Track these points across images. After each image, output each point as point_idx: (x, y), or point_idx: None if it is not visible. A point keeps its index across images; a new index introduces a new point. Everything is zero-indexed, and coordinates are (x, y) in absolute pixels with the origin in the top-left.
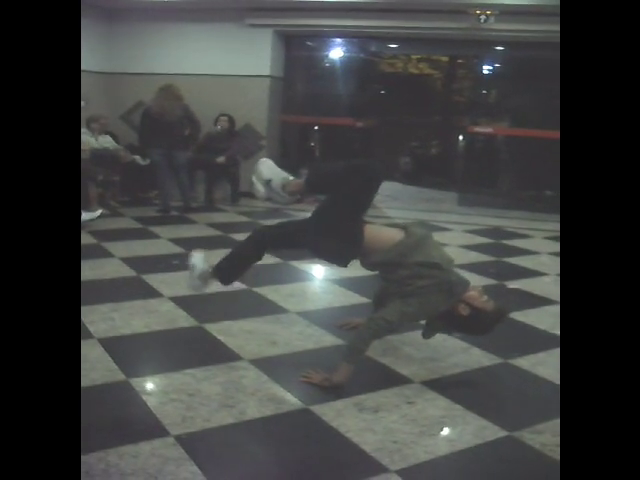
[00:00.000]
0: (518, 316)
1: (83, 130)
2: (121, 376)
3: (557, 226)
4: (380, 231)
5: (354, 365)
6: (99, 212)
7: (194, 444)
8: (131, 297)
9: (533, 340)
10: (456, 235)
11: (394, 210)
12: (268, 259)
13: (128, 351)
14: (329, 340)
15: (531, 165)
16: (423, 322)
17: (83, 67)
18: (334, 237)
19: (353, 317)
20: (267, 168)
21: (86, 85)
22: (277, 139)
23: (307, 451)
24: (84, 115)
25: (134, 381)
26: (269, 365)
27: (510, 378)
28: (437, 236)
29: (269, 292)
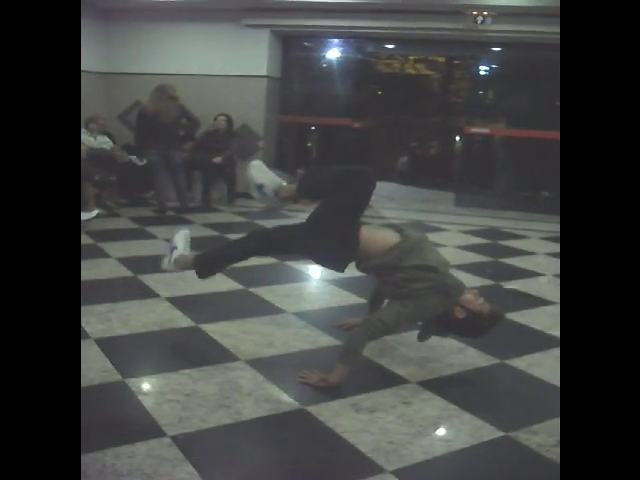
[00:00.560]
0: (514, 316)
1: (82, 130)
2: (117, 376)
3: (553, 227)
4: (376, 234)
5: (350, 366)
6: (96, 212)
7: (190, 444)
8: (128, 297)
9: (529, 341)
10: (452, 236)
11: (390, 210)
12: (264, 259)
13: (124, 351)
14: (325, 340)
15: (528, 166)
16: (419, 323)
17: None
18: (329, 242)
19: (350, 317)
20: (259, 172)
21: (83, 85)
22: (274, 139)
23: (303, 452)
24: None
25: (130, 381)
26: (265, 365)
27: (506, 378)
28: (433, 237)
29: (265, 292)
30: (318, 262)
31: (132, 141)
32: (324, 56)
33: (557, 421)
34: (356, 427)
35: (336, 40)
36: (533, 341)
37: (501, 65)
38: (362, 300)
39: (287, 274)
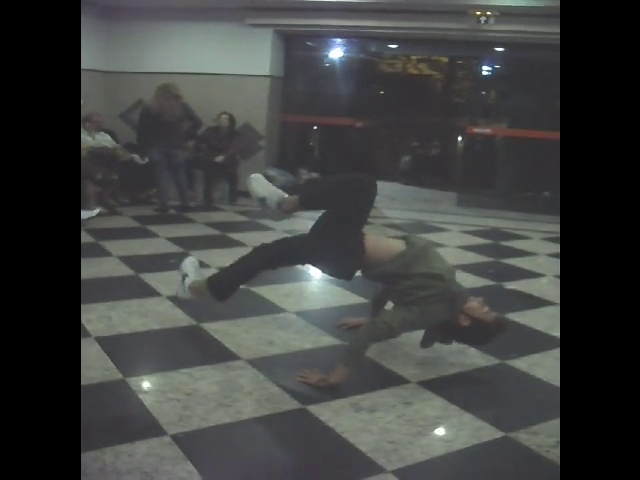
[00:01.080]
0: (515, 317)
1: None
2: (118, 375)
3: (555, 227)
4: (381, 242)
5: (351, 367)
6: (97, 211)
7: (191, 443)
8: (128, 296)
9: (530, 341)
10: (454, 236)
11: (392, 210)
12: None
13: (125, 350)
14: (326, 340)
15: (530, 166)
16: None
17: (82, 66)
18: (334, 252)
19: (351, 317)
20: (260, 186)
21: (85, 84)
22: (276, 139)
23: (303, 451)
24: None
25: (131, 380)
26: (266, 365)
27: (507, 379)
28: (435, 237)
29: (266, 292)
30: (325, 271)
31: (134, 140)
32: (327, 56)
33: (557, 422)
34: (356, 427)
35: (339, 40)
36: (534, 342)
37: (504, 65)
38: (363, 300)
39: (288, 273)
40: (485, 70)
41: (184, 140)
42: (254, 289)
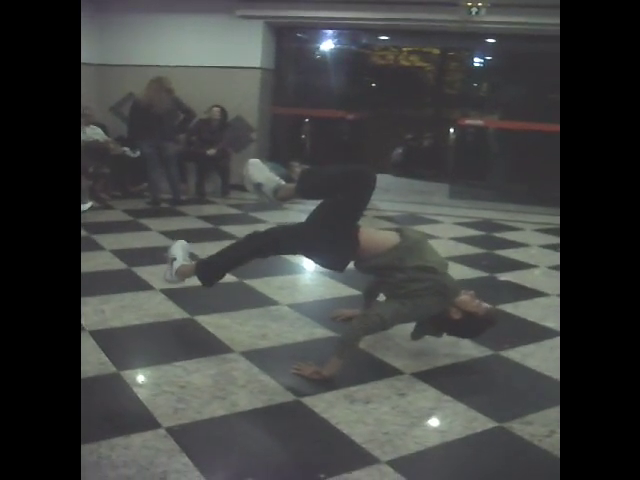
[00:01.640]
0: (508, 308)
1: None
2: (112, 369)
3: (548, 218)
4: (375, 235)
5: (344, 359)
6: (89, 204)
7: (185, 436)
8: (122, 290)
9: (523, 332)
10: (447, 227)
11: (385, 202)
12: None
13: (119, 344)
14: (320, 332)
15: (522, 158)
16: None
17: None
18: (328, 243)
19: (345, 309)
20: (258, 171)
21: None
22: (268, 131)
23: (298, 443)
24: None
25: (125, 373)
26: (260, 357)
27: (500, 370)
28: (428, 229)
29: (260, 284)
30: (317, 262)
31: (125, 133)
32: (318, 48)
33: (550, 411)
34: (351, 418)
35: (330, 32)
36: (527, 332)
37: (495, 57)
38: (356, 292)
39: (282, 266)
40: (477, 62)
41: (175, 133)
42: (247, 282)
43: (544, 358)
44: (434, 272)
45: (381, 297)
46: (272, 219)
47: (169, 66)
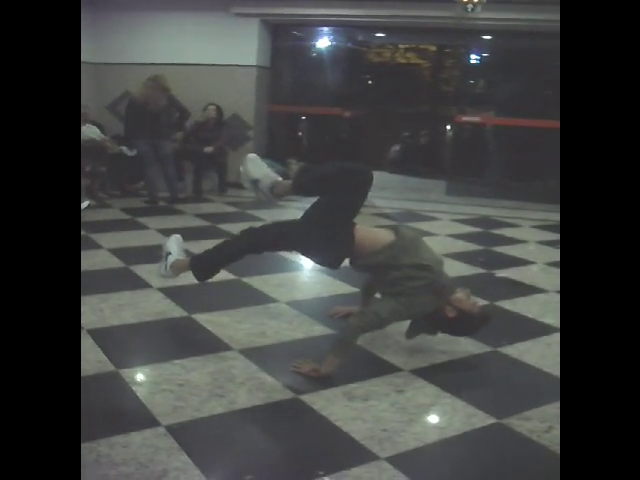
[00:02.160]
0: (506, 305)
1: None
2: (111, 367)
3: (545, 215)
4: (371, 233)
5: (342, 357)
6: (87, 203)
7: (185, 434)
8: (120, 288)
9: (521, 328)
10: (444, 224)
11: (382, 200)
12: None
13: (117, 342)
14: (318, 330)
15: (519, 154)
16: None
17: None
18: (324, 240)
19: (343, 306)
20: (255, 167)
21: None
22: (264, 129)
23: (297, 440)
24: None
25: (124, 372)
26: (258, 355)
27: (499, 366)
28: (425, 225)
29: (258, 282)
30: (312, 259)
31: (122, 132)
32: (314, 45)
33: (549, 407)
34: (350, 415)
35: (326, 29)
36: (525, 329)
37: (492, 54)
38: (354, 289)
39: (280, 264)
40: (473, 58)
41: (171, 131)
42: (245, 279)
43: (542, 354)
44: (429, 270)
45: (379, 295)
46: (270, 217)
47: (165, 64)
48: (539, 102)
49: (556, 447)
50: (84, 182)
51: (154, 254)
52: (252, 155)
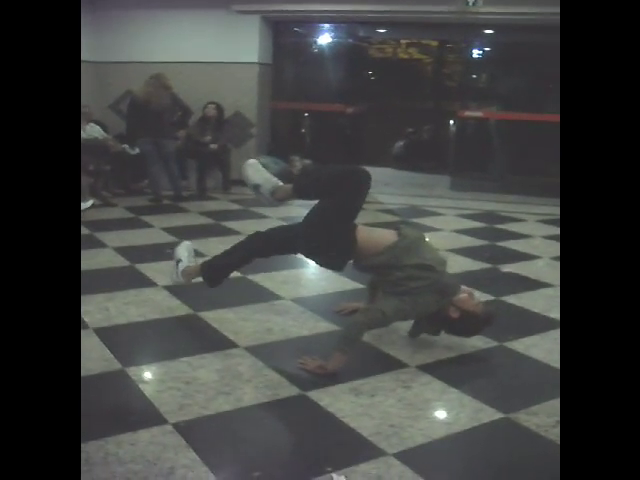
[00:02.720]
0: (512, 299)
1: None
2: (117, 365)
3: (550, 209)
4: (373, 233)
5: (347, 354)
6: (91, 202)
7: (192, 431)
8: (125, 287)
9: (527, 323)
10: (449, 220)
11: (386, 196)
12: None
13: (123, 340)
14: (324, 326)
15: (523, 148)
16: None
17: None
18: (327, 242)
19: (349, 302)
20: (255, 172)
21: None
22: (267, 126)
23: (304, 437)
24: None
25: (130, 370)
26: (265, 352)
27: (505, 361)
28: (429, 221)
29: (263, 279)
30: (316, 261)
31: (125, 130)
32: (315, 41)
33: (556, 402)
34: (356, 411)
35: (327, 25)
36: (531, 323)
37: (494, 48)
38: (360, 285)
39: (285, 261)
40: (475, 53)
41: (174, 130)
42: (250, 277)
43: (549, 349)
44: (432, 270)
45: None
46: (274, 214)
47: (167, 62)
48: (542, 96)
49: None
50: (88, 181)
51: (159, 252)
52: (252, 160)
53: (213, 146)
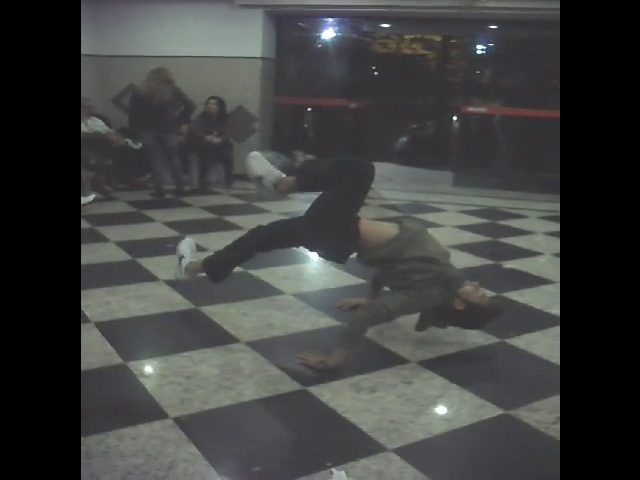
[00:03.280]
0: (514, 296)
1: None
2: (118, 360)
3: (552, 206)
4: (375, 226)
5: (349, 350)
6: (92, 196)
7: (193, 426)
8: (127, 281)
9: (529, 319)
10: (451, 215)
11: (388, 191)
12: None
13: (125, 335)
14: (325, 321)
15: (526, 144)
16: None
17: None
18: (329, 235)
19: (351, 298)
20: (258, 164)
21: None
22: (270, 121)
23: (305, 432)
24: None
25: (131, 364)
26: (266, 347)
27: (506, 357)
28: (432, 217)
29: (265, 274)
30: (319, 254)
31: (127, 124)
32: (319, 36)
33: (557, 398)
34: (357, 407)
35: (330, 20)
36: (532, 320)
37: (498, 43)
38: (362, 281)
39: (286, 255)
40: (479, 49)
41: (176, 124)
42: (252, 272)
43: (550, 346)
44: (436, 263)
45: (387, 288)
46: (276, 209)
47: (169, 57)
48: (546, 92)
49: None
50: (90, 175)
51: (161, 247)
52: (255, 153)
53: (215, 140)
